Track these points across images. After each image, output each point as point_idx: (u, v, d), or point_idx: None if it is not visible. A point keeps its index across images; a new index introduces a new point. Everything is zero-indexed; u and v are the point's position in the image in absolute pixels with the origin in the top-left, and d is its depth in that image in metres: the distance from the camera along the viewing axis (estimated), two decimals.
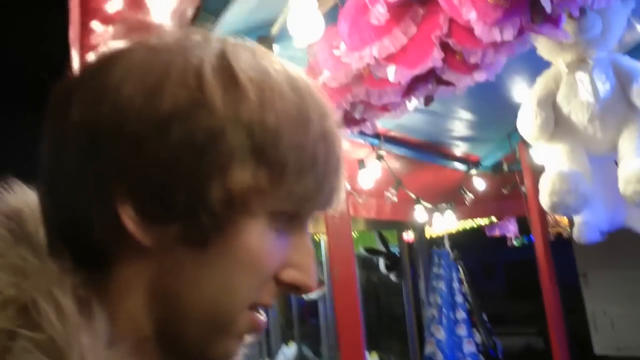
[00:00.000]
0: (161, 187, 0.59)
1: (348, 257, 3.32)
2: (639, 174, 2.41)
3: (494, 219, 8.83)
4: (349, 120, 2.34)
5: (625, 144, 2.58)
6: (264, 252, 0.63)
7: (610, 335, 8.65)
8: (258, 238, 0.62)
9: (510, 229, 8.50)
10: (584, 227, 3.04)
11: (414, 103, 2.30)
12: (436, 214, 6.05)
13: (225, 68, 0.62)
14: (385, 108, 2.23)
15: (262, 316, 0.67)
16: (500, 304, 15.56)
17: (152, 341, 0.64)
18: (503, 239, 10.92)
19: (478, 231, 11.91)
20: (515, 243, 10.69)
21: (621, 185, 2.49)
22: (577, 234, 3.04)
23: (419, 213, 5.58)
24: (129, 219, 0.59)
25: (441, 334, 6.45)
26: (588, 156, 2.77)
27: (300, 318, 8.81)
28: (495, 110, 2.84)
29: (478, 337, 6.66)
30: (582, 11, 2.37)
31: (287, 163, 0.61)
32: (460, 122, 4.68)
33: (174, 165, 0.59)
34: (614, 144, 2.65)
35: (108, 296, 0.62)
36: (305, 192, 0.64)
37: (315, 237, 5.03)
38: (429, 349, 6.41)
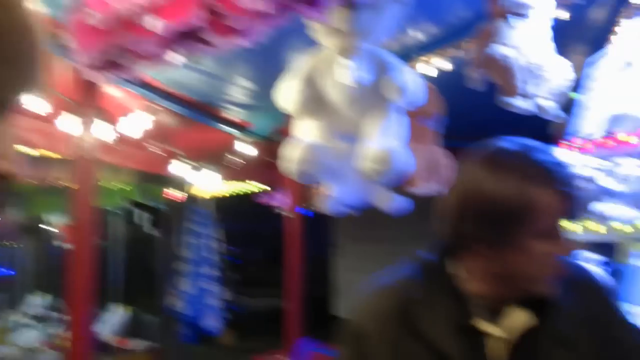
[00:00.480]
0: None
1: (88, 206, 3.23)
2: (375, 153, 2.64)
3: (264, 187, 9.13)
4: (111, 64, 2.32)
5: (370, 127, 2.81)
6: None
7: (352, 301, 9.37)
8: None
9: (279, 199, 8.79)
10: (328, 200, 3.28)
11: (178, 58, 2.34)
12: (201, 173, 6.11)
13: None
14: (146, 57, 2.24)
15: None
16: (262, 268, 16.09)
17: None
18: (271, 207, 11.26)
19: (248, 198, 12.19)
20: (282, 213, 11.03)
21: (360, 163, 2.71)
22: (320, 205, 3.28)
23: (182, 169, 5.61)
24: None
25: (188, 286, 6.55)
26: (341, 135, 2.97)
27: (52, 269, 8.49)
28: (273, 82, 2.97)
29: (227, 294, 6.87)
30: (354, 3, 2.54)
31: None
32: (238, 88, 4.77)
33: None
34: (363, 125, 2.87)
35: None
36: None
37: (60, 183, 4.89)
38: (170, 300, 6.49)
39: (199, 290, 6.61)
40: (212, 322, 6.69)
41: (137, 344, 7.93)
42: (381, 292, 1.51)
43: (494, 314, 1.39)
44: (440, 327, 1.36)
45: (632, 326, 1.50)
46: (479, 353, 1.37)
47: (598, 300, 1.47)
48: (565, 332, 1.37)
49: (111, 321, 8.41)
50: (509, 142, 1.41)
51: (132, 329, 8.43)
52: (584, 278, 1.50)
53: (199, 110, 5.20)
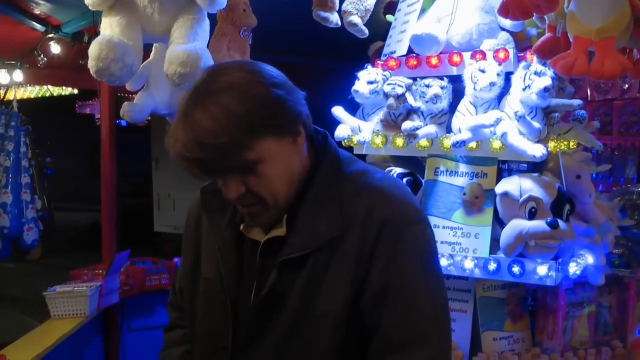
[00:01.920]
0: None
1: None
2: (181, 57, 2.54)
3: (75, 92, 8.65)
4: None
5: (177, 30, 2.71)
6: None
7: (170, 215, 9.32)
8: None
9: (96, 107, 8.38)
10: (130, 107, 3.14)
11: None
12: (3, 71, 5.65)
13: None
14: None
15: None
16: (80, 180, 15.50)
17: None
18: (92, 117, 10.75)
19: (66, 105, 11.54)
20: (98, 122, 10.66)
21: (165, 66, 2.60)
22: (123, 113, 3.14)
23: None
24: None
25: (9, 197, 6.12)
26: (145, 36, 2.82)
27: None
28: None
29: (39, 204, 6.50)
30: None
31: None
32: None
33: None
34: (169, 29, 2.75)
35: None
36: None
37: None
38: None
39: (17, 201, 6.15)
40: (31, 235, 6.29)
41: None
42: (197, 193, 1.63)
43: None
44: (222, 220, 1.51)
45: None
46: (249, 253, 1.48)
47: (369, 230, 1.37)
48: (295, 250, 1.38)
49: None
50: None
51: None
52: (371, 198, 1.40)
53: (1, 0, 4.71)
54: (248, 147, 1.29)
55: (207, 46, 2.84)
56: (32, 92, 8.61)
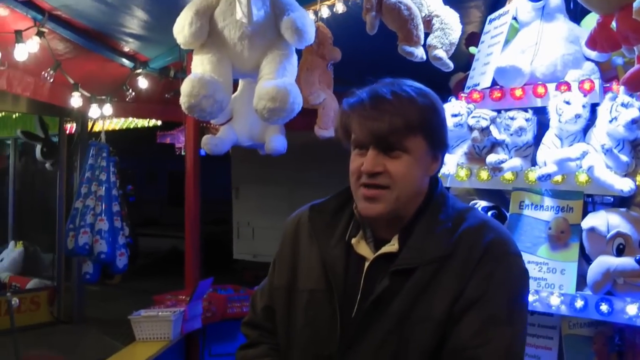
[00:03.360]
0: None
1: None
2: (270, 93, 2.62)
3: (158, 123, 8.92)
4: None
5: (267, 66, 2.80)
6: None
7: (249, 243, 9.48)
8: None
9: (181, 139, 8.64)
10: (212, 140, 3.25)
11: None
12: (95, 105, 5.90)
13: None
14: None
15: None
16: (160, 208, 15.94)
17: None
18: (172, 147, 11.07)
19: (147, 136, 11.92)
20: (183, 153, 10.92)
21: (255, 101, 2.68)
22: (204, 145, 3.24)
23: (76, 100, 5.40)
24: None
25: (105, 225, 6.35)
26: (237, 73, 2.93)
27: None
28: (170, 16, 2.86)
29: (126, 230, 6.73)
30: None
31: None
32: (133, 19, 4.60)
33: None
34: (258, 65, 2.84)
35: None
36: None
37: None
38: (84, 239, 6.27)
39: (111, 228, 6.41)
40: (123, 260, 6.54)
41: (34, 283, 7.71)
42: (302, 208, 1.76)
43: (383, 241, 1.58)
44: (328, 236, 1.63)
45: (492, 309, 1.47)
46: (354, 267, 1.58)
47: (474, 259, 1.50)
48: (406, 261, 1.51)
49: (6, 258, 8.12)
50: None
51: (28, 267, 8.17)
52: (478, 230, 1.54)
53: (94, 39, 4.97)
54: (411, 133, 1.50)
55: (297, 80, 2.92)
56: (117, 123, 8.93)
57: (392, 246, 1.55)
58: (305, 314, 1.61)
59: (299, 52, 3.09)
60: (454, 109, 2.84)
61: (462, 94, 3.00)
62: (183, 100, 2.65)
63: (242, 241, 9.58)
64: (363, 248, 1.60)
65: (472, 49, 3.39)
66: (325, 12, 3.77)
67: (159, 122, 9.10)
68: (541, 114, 2.74)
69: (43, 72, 4.94)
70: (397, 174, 1.51)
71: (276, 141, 3.33)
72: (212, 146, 3.33)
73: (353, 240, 1.61)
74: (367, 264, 1.57)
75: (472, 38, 3.58)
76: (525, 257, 2.62)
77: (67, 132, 8.09)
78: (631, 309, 2.37)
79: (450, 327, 1.46)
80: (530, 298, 2.52)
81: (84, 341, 6.62)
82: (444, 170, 2.84)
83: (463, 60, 3.36)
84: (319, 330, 1.57)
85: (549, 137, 2.68)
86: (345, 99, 1.59)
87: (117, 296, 9.08)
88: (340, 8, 3.74)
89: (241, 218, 9.59)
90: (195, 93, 2.62)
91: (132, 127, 9.18)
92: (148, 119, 8.70)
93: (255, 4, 2.67)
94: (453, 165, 2.84)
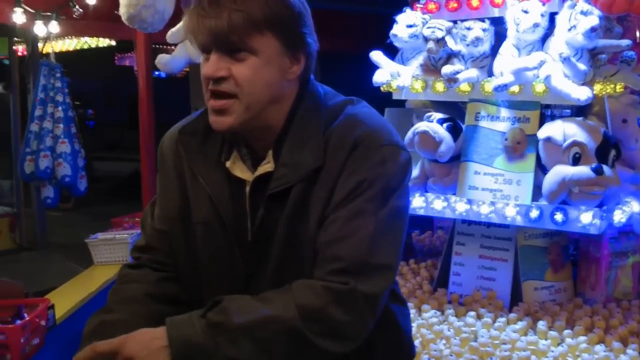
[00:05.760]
0: None
1: None
2: None
3: (113, 43, 8.68)
4: None
5: None
6: None
7: None
8: None
9: (134, 59, 8.42)
10: (165, 58, 3.14)
11: None
12: (40, 23, 5.66)
13: None
14: None
15: None
16: (120, 132, 15.70)
17: None
18: (131, 69, 10.81)
19: (105, 57, 11.60)
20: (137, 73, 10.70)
21: None
22: (158, 64, 3.14)
23: (18, 16, 5.18)
24: None
25: (67, 147, 6.21)
26: None
27: None
28: None
29: (83, 152, 6.60)
30: None
31: None
32: None
33: None
34: None
35: None
36: None
37: None
38: (45, 162, 6.14)
39: (72, 150, 6.26)
40: (83, 183, 6.43)
41: None
42: (179, 124, 1.60)
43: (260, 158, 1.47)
44: (207, 162, 1.50)
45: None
46: (238, 192, 1.47)
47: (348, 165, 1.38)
48: (282, 182, 1.40)
49: None
50: None
51: None
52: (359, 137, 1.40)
53: None
54: (256, 30, 1.34)
55: None
56: (70, 44, 8.63)
57: (268, 164, 1.44)
58: (207, 249, 1.52)
59: None
60: (409, 20, 2.76)
61: (417, 5, 2.92)
62: (122, 11, 2.55)
63: None
64: (240, 169, 1.49)
65: None
66: None
67: (114, 43, 8.83)
68: (498, 24, 2.68)
69: None
70: (243, 79, 1.36)
71: None
72: (165, 65, 3.21)
73: (228, 163, 1.49)
74: (247, 188, 1.47)
75: None
76: (481, 168, 2.65)
77: (20, 54, 7.82)
78: (585, 217, 2.38)
79: (320, 232, 1.39)
80: (486, 210, 2.52)
81: (47, 267, 6.58)
82: (399, 82, 2.78)
83: None
84: (222, 265, 1.50)
85: (506, 47, 2.63)
86: None
87: (79, 221, 8.98)
88: None
89: None
90: (134, 3, 2.50)
91: (86, 47, 8.87)
92: (101, 39, 8.41)
93: None
94: (408, 77, 2.78)
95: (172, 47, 3.34)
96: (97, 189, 9.66)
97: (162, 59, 3.23)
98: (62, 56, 7.24)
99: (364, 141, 1.39)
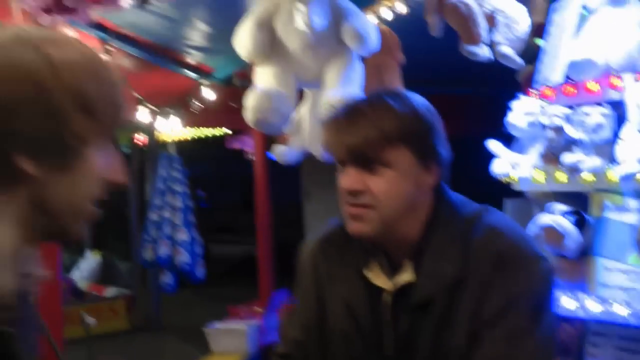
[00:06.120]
0: (38, 139, 0.94)
1: None
2: (334, 102, 2.57)
3: (230, 131, 9.03)
4: (60, 7, 2.23)
5: (330, 75, 2.75)
6: (97, 164, 1.01)
7: None
8: (94, 156, 1.00)
9: (249, 144, 8.70)
10: (283, 150, 3.22)
11: (127, 1, 2.26)
12: (161, 118, 6.01)
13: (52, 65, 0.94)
14: (95, 0, 2.16)
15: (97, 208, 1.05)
16: (231, 214, 16.08)
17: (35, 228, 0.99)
18: (242, 152, 11.16)
19: (217, 142, 12.05)
20: (252, 157, 11.01)
21: (321, 112, 2.65)
22: (278, 155, 3.22)
23: (142, 114, 5.52)
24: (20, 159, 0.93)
25: (186, 235, 6.49)
26: (301, 83, 2.90)
27: None
28: (232, 26, 2.88)
29: (200, 240, 6.85)
30: None
31: (96, 112, 0.98)
32: (196, 32, 4.67)
33: (41, 127, 0.94)
34: (321, 74, 2.80)
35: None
36: (113, 120, 1.02)
37: None
38: (164, 250, 6.41)
39: (191, 238, 6.57)
40: (200, 269, 6.72)
41: (112, 291, 7.91)
42: (318, 233, 1.68)
43: (397, 267, 1.49)
44: (346, 270, 1.54)
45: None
46: (375, 301, 1.49)
47: (495, 273, 1.39)
48: (425, 293, 1.42)
49: (85, 268, 8.37)
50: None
51: (106, 276, 8.40)
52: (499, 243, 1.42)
53: (157, 53, 5.06)
54: (390, 145, 1.39)
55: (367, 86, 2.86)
56: (187, 134, 9.10)
57: (406, 274, 1.47)
58: (340, 356, 1.55)
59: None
60: (525, 107, 2.72)
61: (532, 91, 2.88)
62: (248, 115, 2.64)
63: None
64: (378, 278, 1.51)
65: (538, 41, 3.25)
66: (386, 14, 3.69)
67: (229, 131, 9.22)
68: (619, 108, 2.60)
69: None
70: (380, 192, 1.41)
71: None
72: (281, 156, 3.31)
73: (367, 272, 1.52)
74: (385, 295, 1.49)
75: (539, 29, 3.43)
76: (612, 264, 2.51)
77: (138, 144, 8.27)
78: None
79: (474, 350, 1.39)
80: (622, 311, 2.38)
81: (162, 349, 6.75)
82: (519, 173, 2.73)
83: (530, 52, 3.22)
84: None
85: (629, 132, 2.53)
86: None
87: (193, 302, 9.22)
88: (402, 9, 3.65)
89: (313, 222, 9.61)
90: (260, 107, 2.60)
91: (201, 136, 9.31)
92: (216, 128, 8.80)
93: (316, 12, 2.63)
94: (528, 167, 2.72)
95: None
96: (211, 270, 9.90)
97: (278, 149, 3.32)
98: (176, 143, 7.61)
99: (509, 255, 1.40)
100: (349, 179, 1.42)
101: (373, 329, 1.49)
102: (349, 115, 1.43)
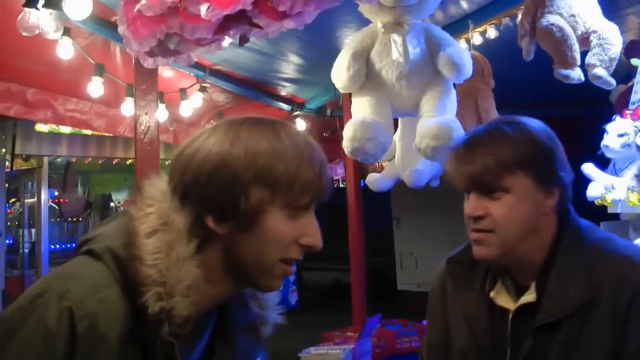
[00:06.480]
0: (221, 205, 1.17)
1: None
2: (433, 131, 2.61)
3: None
4: (164, 50, 2.33)
5: (426, 104, 2.79)
6: (280, 230, 1.18)
7: (413, 273, 9.45)
8: (275, 223, 1.18)
9: (339, 172, 8.80)
10: (376, 178, 3.28)
11: (228, 40, 2.36)
12: None
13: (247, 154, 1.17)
14: (198, 42, 2.25)
15: (290, 266, 1.23)
16: (323, 241, 16.15)
17: (227, 276, 1.22)
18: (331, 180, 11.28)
19: None
20: (342, 185, 11.13)
21: (417, 140, 2.69)
22: (371, 182, 3.29)
23: None
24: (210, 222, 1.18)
25: None
26: (394, 111, 2.95)
27: None
28: (324, 57, 2.97)
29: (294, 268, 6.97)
30: None
31: (280, 184, 1.17)
32: (289, 65, 4.78)
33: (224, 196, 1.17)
34: (417, 103, 2.84)
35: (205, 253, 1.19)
36: (297, 195, 1.18)
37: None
38: None
39: None
40: (294, 296, 6.82)
41: None
42: (449, 254, 1.73)
43: (523, 288, 1.53)
44: (471, 289, 1.59)
45: None
46: (498, 320, 1.54)
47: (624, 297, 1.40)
48: (550, 314, 1.43)
49: None
50: None
51: None
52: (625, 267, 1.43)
53: (252, 87, 5.24)
54: (507, 171, 1.45)
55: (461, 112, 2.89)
56: None
57: (531, 295, 1.50)
58: None
59: None
60: (619, 129, 2.71)
61: (627, 111, 2.85)
62: (346, 145, 2.69)
63: (406, 271, 9.56)
64: (503, 299, 1.56)
65: (634, 61, 3.21)
66: (477, 40, 3.73)
67: None
68: None
69: (205, 123, 5.26)
70: (499, 216, 1.47)
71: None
72: (374, 183, 3.37)
73: (492, 294, 1.57)
74: (510, 316, 1.52)
75: (631, 47, 3.37)
76: None
77: None
78: None
79: None
80: None
81: None
82: (614, 196, 2.70)
83: (622, 71, 3.17)
84: None
85: None
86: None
87: (287, 330, 9.30)
88: (492, 34, 3.68)
89: (403, 248, 9.59)
90: (358, 137, 2.65)
91: None
92: None
93: (411, 42, 2.69)
94: (623, 189, 2.69)
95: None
96: (303, 297, 10.02)
97: (371, 177, 3.39)
98: None
99: None
100: (470, 205, 1.50)
101: (493, 348, 1.53)
102: (467, 146, 1.52)
